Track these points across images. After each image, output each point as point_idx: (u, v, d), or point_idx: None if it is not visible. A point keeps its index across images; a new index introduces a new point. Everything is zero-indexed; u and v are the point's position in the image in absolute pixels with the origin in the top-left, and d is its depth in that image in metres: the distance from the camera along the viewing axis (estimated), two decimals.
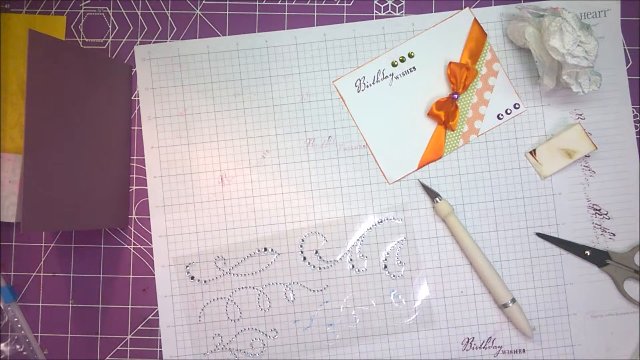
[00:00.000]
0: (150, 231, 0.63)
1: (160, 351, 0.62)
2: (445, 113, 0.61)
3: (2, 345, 0.63)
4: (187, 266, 0.62)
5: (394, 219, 0.62)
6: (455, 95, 0.61)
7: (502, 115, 0.63)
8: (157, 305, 0.62)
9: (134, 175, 0.64)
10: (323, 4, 0.64)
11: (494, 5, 0.64)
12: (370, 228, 0.62)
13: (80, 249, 0.63)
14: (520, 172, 0.62)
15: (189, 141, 0.63)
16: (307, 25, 0.64)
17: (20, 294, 0.63)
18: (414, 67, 0.63)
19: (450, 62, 0.62)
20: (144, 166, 0.64)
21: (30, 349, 0.63)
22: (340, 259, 0.62)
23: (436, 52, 0.63)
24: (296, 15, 0.64)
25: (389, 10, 0.64)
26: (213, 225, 0.62)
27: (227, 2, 0.65)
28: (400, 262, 0.62)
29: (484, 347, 0.61)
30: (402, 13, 0.64)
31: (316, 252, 0.62)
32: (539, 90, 0.63)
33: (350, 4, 0.64)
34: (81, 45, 0.65)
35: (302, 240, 0.62)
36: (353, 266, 0.62)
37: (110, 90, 0.61)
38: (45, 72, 0.51)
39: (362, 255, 0.62)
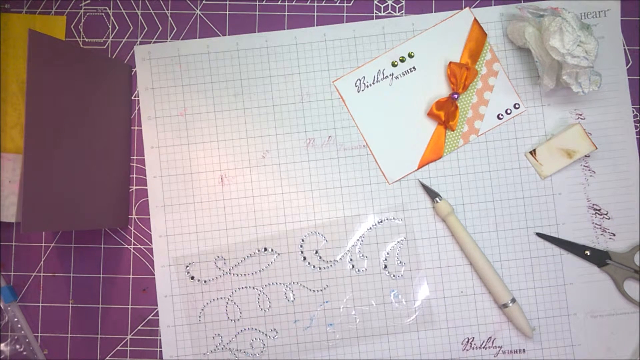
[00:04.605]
0: (150, 231, 0.63)
1: (160, 351, 0.62)
2: (445, 113, 0.61)
3: (2, 345, 0.63)
4: (187, 266, 0.62)
5: (394, 219, 0.62)
6: (455, 95, 0.61)
7: (502, 115, 0.63)
8: (157, 305, 0.62)
9: (134, 175, 0.64)
10: (323, 4, 0.64)
11: (494, 5, 0.64)
12: (370, 228, 0.62)
13: (80, 249, 0.63)
14: (520, 172, 0.62)
15: (189, 141, 0.63)
16: (307, 25, 0.64)
17: (20, 294, 0.63)
18: (414, 67, 0.63)
19: (450, 62, 0.62)
20: (144, 166, 0.64)
21: (30, 349, 0.63)
22: (340, 259, 0.62)
23: (436, 52, 0.63)
24: (296, 15, 0.64)
25: (389, 10, 0.64)
26: (213, 225, 0.62)
27: (227, 2, 0.65)
28: (400, 262, 0.62)
29: (484, 347, 0.61)
30: (402, 13, 0.64)
31: (316, 252, 0.62)
32: (539, 90, 0.63)
33: (350, 4, 0.64)
34: (81, 45, 0.65)
35: (302, 240, 0.62)
36: (353, 266, 0.62)
37: (110, 90, 0.61)
38: (45, 72, 0.51)
39: (362, 255, 0.62)
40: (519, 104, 0.63)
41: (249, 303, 0.62)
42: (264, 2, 0.65)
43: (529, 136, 0.63)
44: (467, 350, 0.61)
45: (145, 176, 0.63)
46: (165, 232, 0.63)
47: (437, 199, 0.61)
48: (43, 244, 0.64)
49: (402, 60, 0.63)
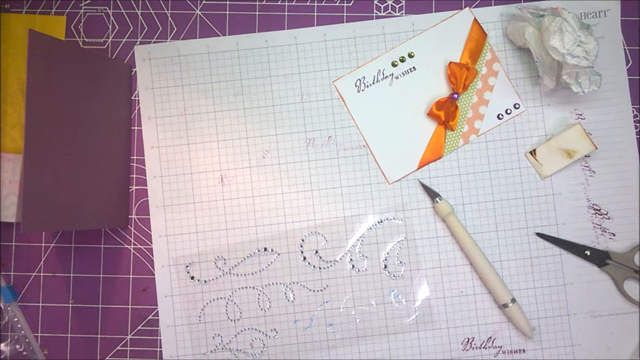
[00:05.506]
0: (150, 231, 0.63)
1: (160, 351, 0.62)
2: (445, 113, 0.61)
3: (2, 345, 0.63)
4: (187, 266, 0.62)
5: (394, 219, 0.62)
6: (455, 95, 0.61)
7: (502, 115, 0.63)
8: (157, 305, 0.62)
9: (134, 175, 0.64)
10: (323, 4, 0.64)
11: (494, 5, 0.64)
12: (370, 228, 0.62)
13: (80, 249, 0.63)
14: (520, 172, 0.62)
15: (189, 141, 0.63)
16: (307, 25, 0.64)
17: (20, 294, 0.63)
18: (414, 67, 0.63)
19: (450, 62, 0.62)
20: (144, 166, 0.64)
21: (30, 349, 0.63)
22: (340, 259, 0.62)
23: (436, 52, 0.63)
24: (296, 15, 0.64)
25: (389, 10, 0.64)
26: (213, 225, 0.62)
27: (227, 2, 0.65)
28: (400, 262, 0.62)
29: (484, 347, 0.61)
30: (402, 13, 0.64)
31: (316, 252, 0.62)
32: (539, 90, 0.63)
33: (350, 4, 0.64)
34: (81, 45, 0.65)
35: (302, 240, 0.62)
36: (353, 266, 0.62)
37: (110, 90, 0.61)
38: (45, 72, 0.51)
39: (362, 255, 0.62)
40: (519, 104, 0.63)
41: (249, 303, 0.62)
42: (264, 2, 0.65)
43: (529, 136, 0.63)
44: (467, 350, 0.61)
45: (145, 176, 0.63)
46: (165, 232, 0.63)
47: (437, 199, 0.61)
48: (43, 244, 0.64)
49: (402, 60, 0.63)
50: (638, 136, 0.63)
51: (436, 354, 0.61)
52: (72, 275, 0.63)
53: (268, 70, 0.64)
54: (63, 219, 0.54)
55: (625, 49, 0.63)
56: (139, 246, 0.63)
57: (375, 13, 0.64)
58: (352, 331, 0.61)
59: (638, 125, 0.63)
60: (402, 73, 0.63)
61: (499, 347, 0.61)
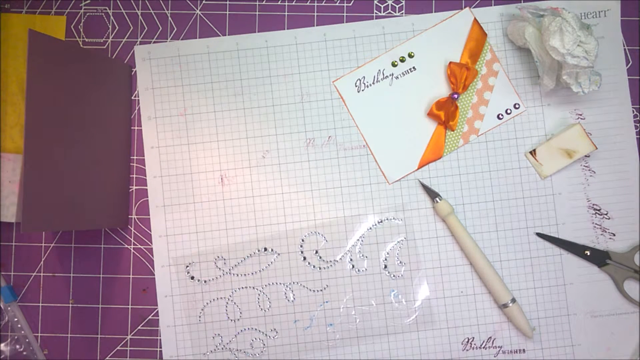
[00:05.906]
0: (150, 231, 0.63)
1: (160, 351, 0.62)
2: (445, 113, 0.61)
3: (2, 345, 0.63)
4: (187, 266, 0.62)
5: (394, 219, 0.62)
6: (455, 95, 0.61)
7: (502, 115, 0.63)
8: (157, 305, 0.62)
9: (134, 175, 0.64)
10: (323, 4, 0.64)
11: (494, 5, 0.64)
12: (370, 228, 0.62)
13: (80, 249, 0.63)
14: (520, 172, 0.62)
15: (189, 141, 0.63)
16: (307, 25, 0.64)
17: (20, 294, 0.63)
18: (414, 67, 0.63)
19: (450, 62, 0.62)
20: (144, 166, 0.64)
21: (30, 349, 0.63)
22: (340, 259, 0.62)
23: (436, 52, 0.63)
24: (296, 15, 0.64)
25: (389, 10, 0.64)
26: (213, 225, 0.62)
27: (227, 2, 0.65)
28: (400, 262, 0.62)
29: (484, 347, 0.61)
30: (402, 13, 0.64)
31: (316, 252, 0.62)
32: (539, 90, 0.63)
33: (350, 4, 0.64)
34: (81, 45, 0.65)
35: (302, 240, 0.62)
36: (353, 266, 0.62)
37: (110, 90, 0.61)
38: (45, 72, 0.51)
39: (362, 255, 0.62)
40: (519, 104, 0.63)
41: (249, 303, 0.62)
42: (264, 2, 0.65)
43: (529, 136, 0.63)
44: (467, 350, 0.61)
45: (145, 176, 0.63)
46: (165, 232, 0.63)
47: (437, 199, 0.61)
48: (43, 244, 0.64)
49: (402, 60, 0.63)
50: (638, 136, 0.63)
51: (436, 354, 0.61)
52: (72, 275, 0.63)
53: (268, 70, 0.64)
54: (63, 219, 0.54)
55: (625, 49, 0.63)
56: (139, 246, 0.63)
57: (375, 13, 0.64)
58: (352, 331, 0.61)
59: (638, 125, 0.63)
60: (402, 73, 0.63)
61: (499, 347, 0.61)
